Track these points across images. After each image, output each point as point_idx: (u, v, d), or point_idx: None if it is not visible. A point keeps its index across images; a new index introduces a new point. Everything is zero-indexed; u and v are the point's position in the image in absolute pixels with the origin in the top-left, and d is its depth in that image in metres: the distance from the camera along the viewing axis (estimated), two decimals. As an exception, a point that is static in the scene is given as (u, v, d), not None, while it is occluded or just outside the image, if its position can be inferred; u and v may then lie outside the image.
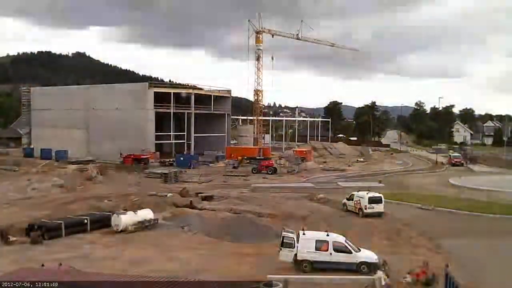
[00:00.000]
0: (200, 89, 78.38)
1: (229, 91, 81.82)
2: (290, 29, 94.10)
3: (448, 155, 79.41)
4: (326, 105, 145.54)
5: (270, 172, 55.78)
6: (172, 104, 69.13)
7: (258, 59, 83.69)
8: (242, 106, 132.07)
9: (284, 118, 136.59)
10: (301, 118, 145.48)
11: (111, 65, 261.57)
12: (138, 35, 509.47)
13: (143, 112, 66.09)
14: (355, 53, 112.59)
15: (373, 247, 22.95)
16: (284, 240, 20.54)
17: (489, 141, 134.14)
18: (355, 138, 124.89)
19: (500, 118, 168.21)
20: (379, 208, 32.07)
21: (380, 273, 18.03)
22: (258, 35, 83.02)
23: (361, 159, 78.96)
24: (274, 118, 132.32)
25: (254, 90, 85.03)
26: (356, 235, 25.67)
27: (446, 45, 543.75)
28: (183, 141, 71.69)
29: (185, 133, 71.66)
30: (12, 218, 28.82)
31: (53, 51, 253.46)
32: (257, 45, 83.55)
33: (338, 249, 20.53)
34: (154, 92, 67.06)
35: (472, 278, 18.86)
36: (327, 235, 21.26)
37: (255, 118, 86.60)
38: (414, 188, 46.07)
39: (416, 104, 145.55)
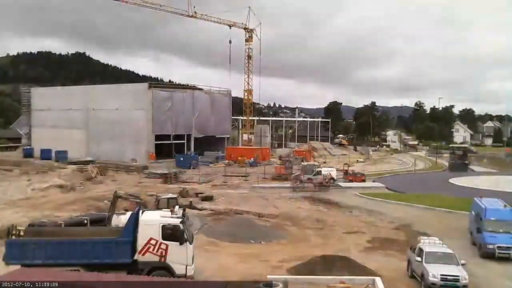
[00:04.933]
0: (200, 89, 78.34)
1: (229, 91, 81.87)
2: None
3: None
4: (326, 105, 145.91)
5: None
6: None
7: (248, 58, 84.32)
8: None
9: (284, 118, 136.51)
10: (301, 118, 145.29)
11: (110, 65, 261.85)
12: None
13: (143, 112, 66.14)
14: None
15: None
16: None
17: (488, 141, 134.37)
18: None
19: (500, 118, 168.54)
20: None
21: None
22: (249, 34, 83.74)
23: (361, 159, 79.05)
24: (273, 118, 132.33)
25: (244, 90, 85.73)
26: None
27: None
28: (183, 141, 71.60)
29: (185, 133, 71.68)
30: (12, 218, 28.82)
31: (53, 51, 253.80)
32: (247, 43, 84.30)
33: None
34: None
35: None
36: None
37: (245, 118, 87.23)
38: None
39: (416, 104, 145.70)
